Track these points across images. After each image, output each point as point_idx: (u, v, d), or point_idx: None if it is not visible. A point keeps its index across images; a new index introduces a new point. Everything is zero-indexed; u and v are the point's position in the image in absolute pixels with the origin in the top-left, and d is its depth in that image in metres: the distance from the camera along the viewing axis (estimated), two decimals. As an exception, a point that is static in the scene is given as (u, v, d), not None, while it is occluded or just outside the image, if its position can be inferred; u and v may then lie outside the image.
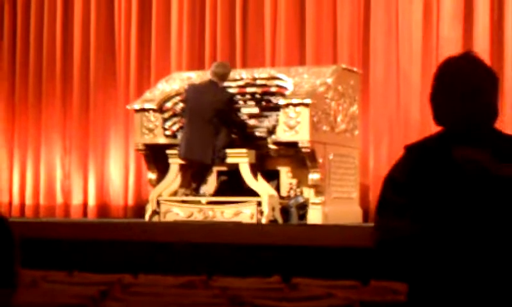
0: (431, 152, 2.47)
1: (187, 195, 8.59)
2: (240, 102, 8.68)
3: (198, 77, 9.19)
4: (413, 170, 2.46)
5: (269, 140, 8.29)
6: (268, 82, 8.71)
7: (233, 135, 8.48)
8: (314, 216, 8.23)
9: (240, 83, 8.81)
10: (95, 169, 11.50)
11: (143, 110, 8.89)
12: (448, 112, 2.46)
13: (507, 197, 2.36)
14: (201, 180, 8.63)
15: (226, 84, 8.71)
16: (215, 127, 8.33)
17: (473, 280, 2.38)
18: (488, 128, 2.48)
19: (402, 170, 2.49)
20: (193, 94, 8.51)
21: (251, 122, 8.47)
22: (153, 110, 8.84)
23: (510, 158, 2.38)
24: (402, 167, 2.50)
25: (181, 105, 8.80)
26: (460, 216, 2.38)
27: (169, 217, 8.40)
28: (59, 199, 11.63)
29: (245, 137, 8.46)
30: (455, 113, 2.45)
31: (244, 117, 8.53)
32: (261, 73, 8.86)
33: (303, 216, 8.24)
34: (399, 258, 2.45)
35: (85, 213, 11.43)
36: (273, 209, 8.12)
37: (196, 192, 8.58)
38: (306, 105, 8.14)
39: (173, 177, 8.61)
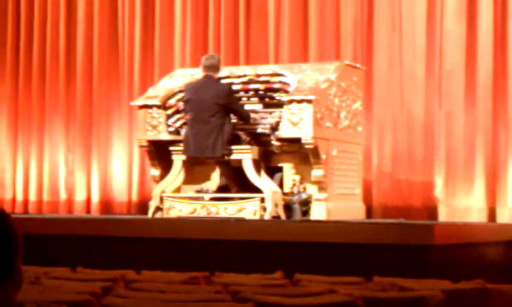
0: None
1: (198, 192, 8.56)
2: (244, 99, 8.67)
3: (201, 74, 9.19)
4: None
5: (272, 136, 8.28)
6: (271, 79, 8.69)
7: (237, 132, 8.47)
8: (317, 212, 8.22)
9: (244, 79, 8.80)
10: (98, 166, 11.51)
11: (146, 106, 8.88)
12: None
13: None
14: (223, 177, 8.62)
15: (229, 80, 8.70)
16: (219, 121, 8.31)
17: None
18: None
19: None
20: (193, 92, 8.50)
21: (254, 117, 8.46)
22: (157, 106, 8.83)
23: None
24: None
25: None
26: None
27: (173, 214, 8.39)
28: (63, 195, 11.65)
29: (249, 129, 8.42)
30: None
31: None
32: (264, 70, 8.85)
33: (306, 212, 8.23)
34: None
35: (88, 210, 11.44)
36: (276, 205, 8.12)
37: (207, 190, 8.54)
38: (309, 101, 8.13)
39: (177, 173, 8.60)
